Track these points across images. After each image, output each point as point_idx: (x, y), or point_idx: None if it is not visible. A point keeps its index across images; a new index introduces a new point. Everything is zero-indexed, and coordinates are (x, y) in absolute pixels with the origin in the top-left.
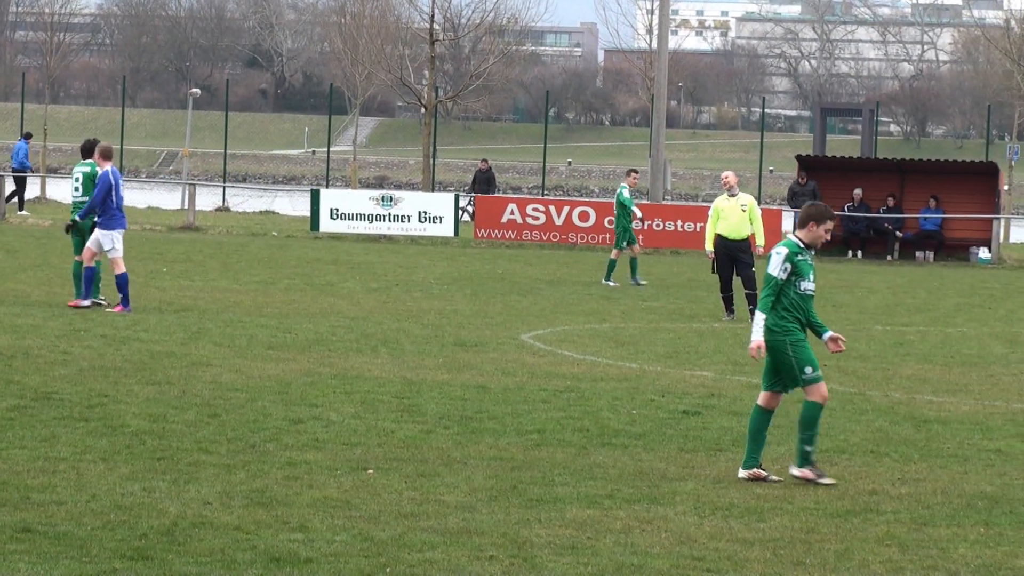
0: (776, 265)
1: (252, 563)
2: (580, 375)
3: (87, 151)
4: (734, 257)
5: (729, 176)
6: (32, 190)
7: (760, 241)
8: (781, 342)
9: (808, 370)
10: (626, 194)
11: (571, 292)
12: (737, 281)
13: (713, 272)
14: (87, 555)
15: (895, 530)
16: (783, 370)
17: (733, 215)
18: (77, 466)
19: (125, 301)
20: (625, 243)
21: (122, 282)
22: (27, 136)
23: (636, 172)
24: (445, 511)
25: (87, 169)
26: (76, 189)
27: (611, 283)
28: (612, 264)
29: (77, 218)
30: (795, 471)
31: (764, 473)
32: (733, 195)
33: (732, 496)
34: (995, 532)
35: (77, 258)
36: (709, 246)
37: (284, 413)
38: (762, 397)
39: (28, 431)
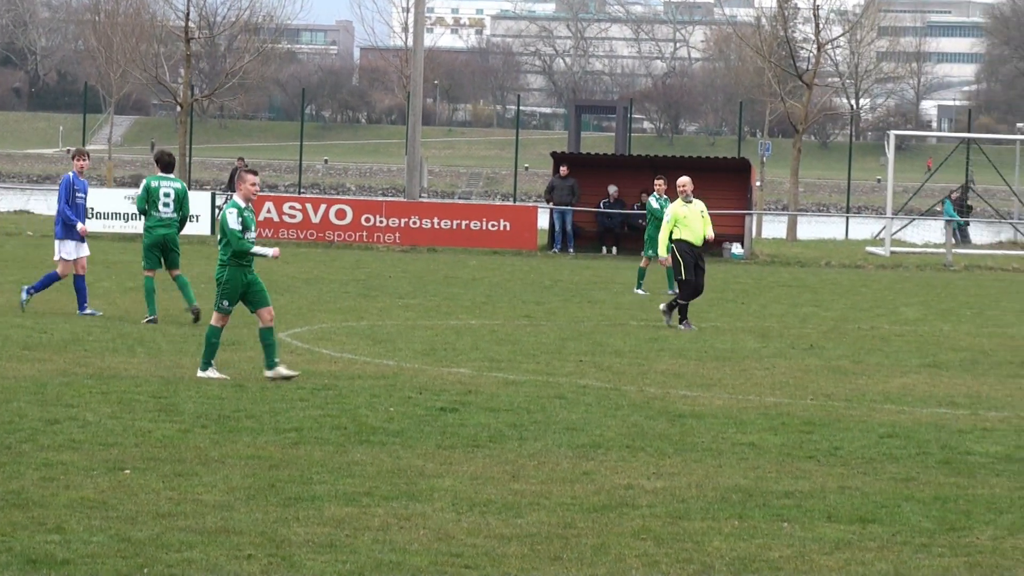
0: None
1: (8, 565)
2: (338, 373)
3: (170, 165)
4: (699, 264)
5: (687, 183)
6: None
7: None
8: None
9: None
10: (654, 203)
11: (328, 290)
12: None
13: (680, 277)
14: None
15: (651, 524)
16: None
17: (695, 221)
18: None
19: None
20: (652, 251)
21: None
22: None
23: (661, 179)
24: (203, 510)
25: (177, 186)
26: (166, 205)
27: (641, 292)
28: (642, 272)
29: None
30: None
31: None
32: (689, 201)
33: (490, 492)
34: (749, 525)
35: (148, 273)
36: (663, 252)
37: (40, 414)
38: None
39: None
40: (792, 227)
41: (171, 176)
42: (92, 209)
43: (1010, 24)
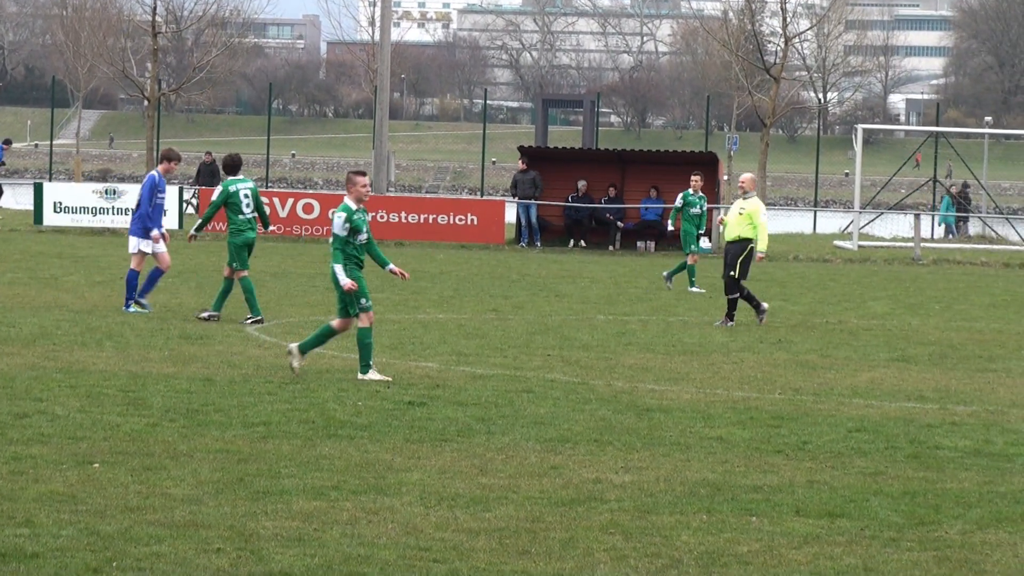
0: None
1: None
2: (306, 367)
3: (239, 167)
4: (728, 261)
5: (745, 179)
6: None
7: (761, 247)
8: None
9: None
10: (679, 202)
11: (296, 284)
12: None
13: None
14: None
15: (619, 518)
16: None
17: (731, 216)
18: None
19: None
20: (695, 247)
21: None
22: (6, 142)
23: (698, 175)
24: (171, 504)
25: (251, 185)
26: (248, 206)
27: (696, 289)
28: (692, 269)
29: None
30: None
31: None
32: (747, 198)
33: (458, 486)
34: (717, 519)
35: (244, 273)
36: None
37: (8, 408)
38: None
39: None
40: None
41: (242, 177)
42: (60, 203)
43: (978, 18)
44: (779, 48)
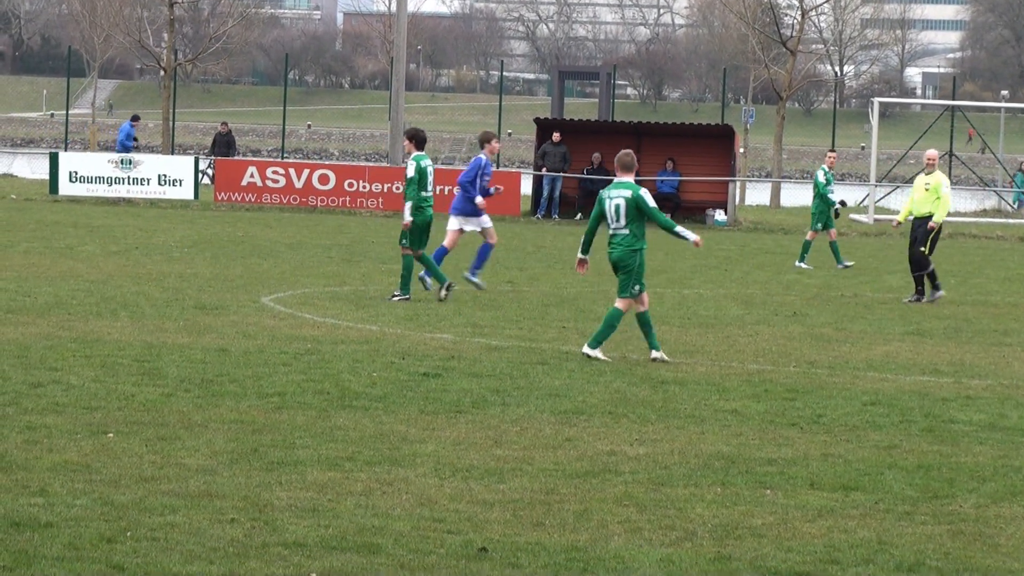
0: None
1: None
2: (321, 338)
3: (424, 142)
4: (915, 235)
5: (930, 155)
6: None
7: (937, 218)
8: None
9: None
10: (820, 177)
11: (311, 255)
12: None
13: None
14: None
15: (633, 490)
16: None
17: (917, 192)
18: None
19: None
20: (820, 225)
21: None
22: (135, 118)
23: (833, 152)
24: (186, 474)
25: (430, 162)
26: (431, 184)
27: (803, 265)
28: (807, 246)
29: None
30: None
31: None
32: (929, 173)
33: (472, 458)
34: (731, 492)
35: (410, 252)
36: (899, 218)
37: (23, 377)
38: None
39: None
40: (776, 194)
41: (424, 154)
42: (75, 173)
43: None
44: (796, 21)
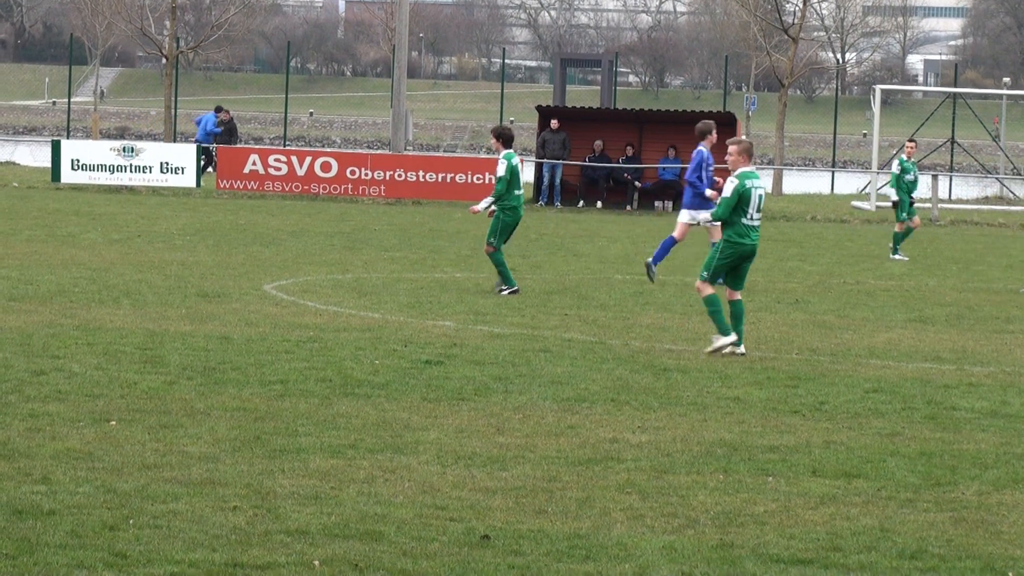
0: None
1: None
2: (323, 325)
3: (513, 139)
4: None
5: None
6: None
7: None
8: None
9: None
10: (895, 168)
11: (313, 242)
12: None
13: None
14: None
15: (635, 478)
16: None
17: None
18: None
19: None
20: (906, 214)
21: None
22: (217, 109)
23: (913, 142)
24: (188, 462)
25: (519, 160)
26: (520, 181)
27: (898, 257)
28: (897, 237)
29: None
30: None
31: None
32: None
33: (475, 445)
34: (734, 479)
35: (492, 250)
36: None
37: (26, 365)
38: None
39: None
40: (778, 181)
41: (513, 152)
42: (77, 161)
43: None
44: (797, 8)
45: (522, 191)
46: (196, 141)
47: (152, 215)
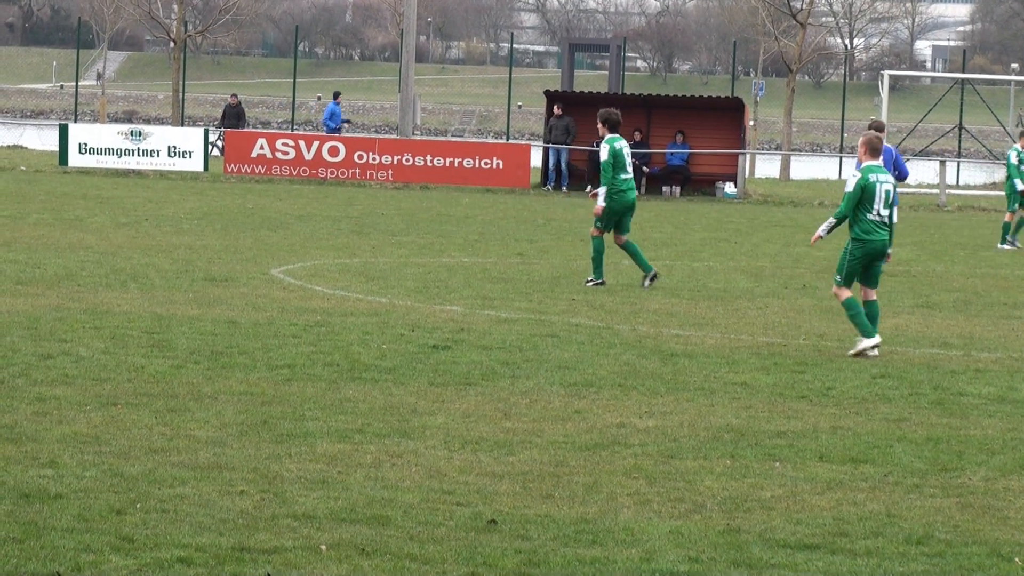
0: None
1: (1, 499)
2: (330, 310)
3: (619, 124)
4: None
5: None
6: None
7: None
8: None
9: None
10: (1013, 159)
11: (321, 227)
12: None
13: None
14: None
15: (642, 463)
16: None
17: None
18: None
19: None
20: (1017, 205)
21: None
22: (337, 95)
23: None
24: (195, 446)
25: (625, 143)
26: (630, 165)
27: (1006, 247)
28: (1007, 227)
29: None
30: None
31: None
32: None
33: (482, 430)
34: (741, 464)
35: (598, 233)
36: None
37: (33, 348)
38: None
39: None
40: (785, 167)
41: (619, 136)
42: (85, 144)
43: None
44: None
45: (630, 175)
46: (328, 130)
47: (160, 199)
